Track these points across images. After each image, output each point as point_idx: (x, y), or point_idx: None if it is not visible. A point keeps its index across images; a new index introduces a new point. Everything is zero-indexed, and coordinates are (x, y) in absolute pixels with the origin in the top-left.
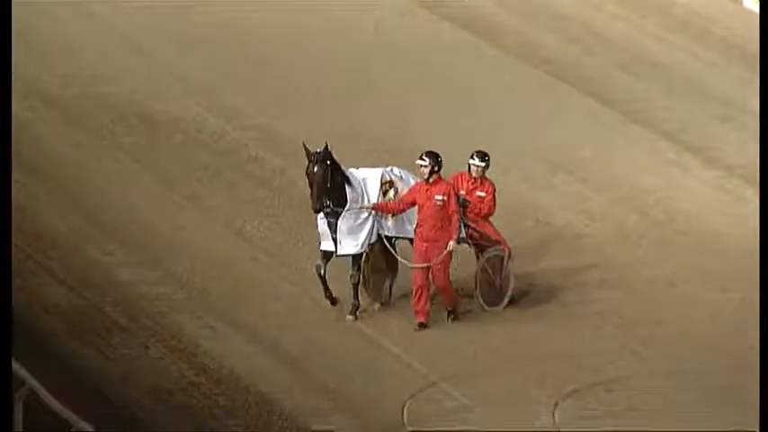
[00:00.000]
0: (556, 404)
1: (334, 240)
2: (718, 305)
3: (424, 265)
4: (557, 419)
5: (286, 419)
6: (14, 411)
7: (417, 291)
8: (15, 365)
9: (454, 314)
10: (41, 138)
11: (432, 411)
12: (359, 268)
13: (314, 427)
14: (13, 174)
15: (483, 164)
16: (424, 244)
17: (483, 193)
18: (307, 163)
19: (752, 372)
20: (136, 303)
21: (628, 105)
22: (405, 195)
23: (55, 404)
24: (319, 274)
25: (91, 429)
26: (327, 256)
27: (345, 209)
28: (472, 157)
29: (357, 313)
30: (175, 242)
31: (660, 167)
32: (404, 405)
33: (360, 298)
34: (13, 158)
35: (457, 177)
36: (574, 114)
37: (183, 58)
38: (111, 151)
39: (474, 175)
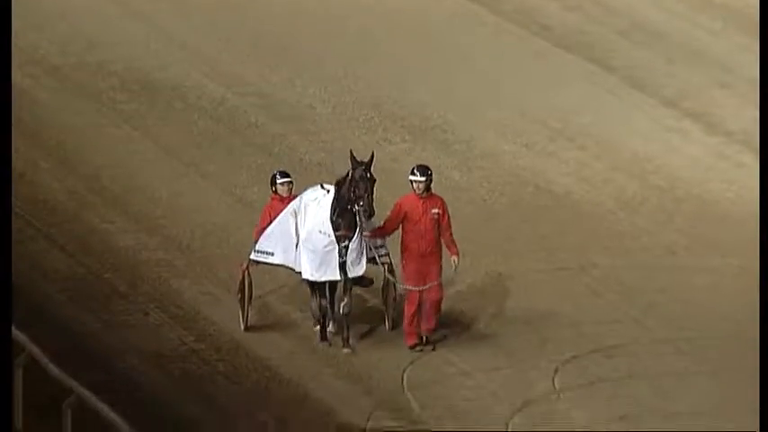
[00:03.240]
0: (556, 370)
1: (342, 265)
2: (718, 272)
3: (428, 286)
4: (556, 385)
5: (286, 386)
6: (14, 377)
7: (412, 313)
8: (15, 332)
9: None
10: (41, 105)
11: (431, 377)
12: (351, 296)
13: (314, 394)
14: (12, 141)
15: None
16: (418, 261)
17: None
18: (353, 169)
19: (752, 338)
20: (135, 270)
21: (628, 72)
22: (393, 213)
23: (54, 370)
24: (323, 315)
25: (90, 395)
26: (325, 288)
27: (357, 231)
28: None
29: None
30: (175, 208)
31: (660, 134)
32: (403, 371)
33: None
34: (12, 126)
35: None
36: (574, 81)
37: (183, 24)
38: (111, 118)
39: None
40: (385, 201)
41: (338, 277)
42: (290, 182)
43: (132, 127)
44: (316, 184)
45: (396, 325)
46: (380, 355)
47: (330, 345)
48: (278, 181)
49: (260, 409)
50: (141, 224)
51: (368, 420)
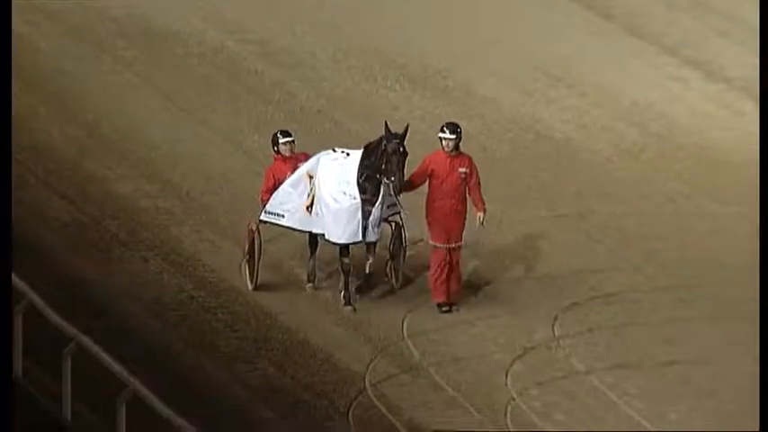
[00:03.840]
0: (555, 317)
1: (365, 228)
2: (717, 218)
3: (454, 245)
4: (556, 332)
5: (286, 333)
6: (14, 324)
7: (438, 267)
8: (15, 279)
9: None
10: (41, 51)
11: (430, 325)
12: (350, 255)
13: (313, 341)
14: (12, 86)
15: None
16: (444, 218)
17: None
18: (387, 141)
19: (752, 284)
20: (135, 217)
21: (628, 19)
22: (421, 168)
23: (54, 318)
24: (346, 275)
25: (90, 342)
26: (347, 248)
27: (381, 197)
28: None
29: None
30: (175, 155)
31: (660, 81)
32: (403, 318)
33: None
34: (12, 71)
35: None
36: (574, 29)
37: None
38: (111, 64)
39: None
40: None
41: (360, 239)
42: (292, 141)
43: (132, 73)
44: (328, 148)
45: (404, 281)
46: (381, 304)
47: (355, 311)
48: (280, 141)
49: (259, 356)
50: (141, 171)
51: (368, 367)
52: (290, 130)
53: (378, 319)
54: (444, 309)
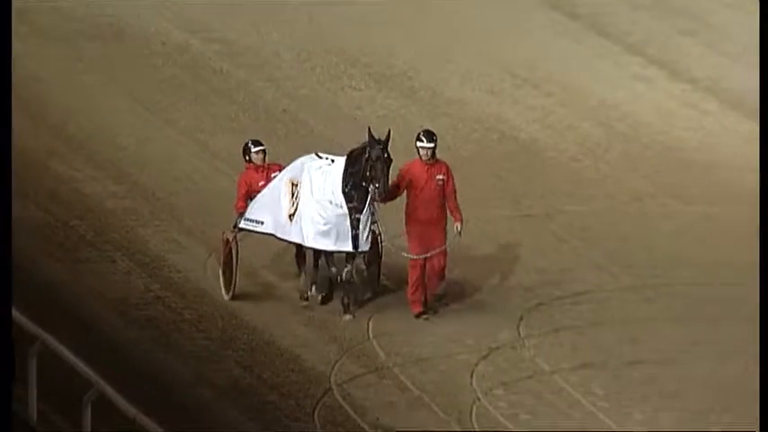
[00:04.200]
0: (521, 317)
1: (354, 238)
2: (683, 218)
3: (431, 253)
4: (521, 332)
5: (251, 333)
6: None
7: (416, 280)
8: None
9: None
10: None
11: (396, 325)
12: (354, 265)
13: (279, 341)
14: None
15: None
16: (423, 228)
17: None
18: (371, 147)
19: (717, 284)
20: (102, 218)
21: (593, 19)
22: (398, 179)
23: (21, 318)
24: (331, 284)
25: (56, 342)
26: (333, 257)
27: (367, 204)
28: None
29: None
30: (141, 156)
31: (625, 81)
32: (369, 318)
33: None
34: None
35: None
36: (539, 28)
37: None
38: (77, 65)
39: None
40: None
41: (351, 248)
42: (264, 150)
43: (98, 74)
44: (309, 153)
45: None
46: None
47: (354, 317)
48: (252, 150)
49: (225, 356)
50: (107, 172)
51: (334, 367)
52: (260, 140)
53: (343, 320)
54: (424, 317)
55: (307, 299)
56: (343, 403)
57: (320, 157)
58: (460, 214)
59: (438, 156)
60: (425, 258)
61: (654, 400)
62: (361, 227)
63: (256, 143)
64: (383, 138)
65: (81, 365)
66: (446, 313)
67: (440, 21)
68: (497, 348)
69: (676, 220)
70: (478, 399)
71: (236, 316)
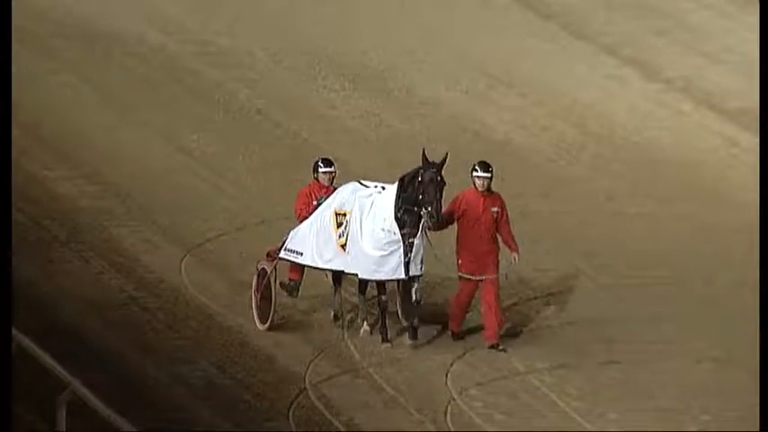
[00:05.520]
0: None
1: (407, 264)
2: (657, 218)
3: (482, 276)
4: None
5: (226, 333)
6: None
7: (463, 300)
8: None
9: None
10: None
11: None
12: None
13: (254, 342)
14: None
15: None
16: (475, 257)
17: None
18: (423, 170)
19: (690, 283)
20: (75, 217)
21: (566, 19)
22: (452, 206)
23: None
24: (383, 312)
25: (30, 343)
26: (384, 285)
27: (420, 229)
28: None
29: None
30: (115, 156)
31: (599, 81)
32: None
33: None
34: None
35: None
36: (513, 28)
37: None
38: (50, 65)
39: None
40: (324, 149)
41: (404, 276)
42: (332, 172)
43: (72, 74)
44: (352, 180)
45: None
46: (319, 305)
47: (392, 346)
48: (320, 170)
49: (199, 356)
50: (81, 171)
51: (308, 367)
52: (332, 160)
53: (318, 320)
54: (458, 338)
55: (339, 318)
56: (318, 403)
57: (364, 186)
58: (516, 245)
59: (411, 155)
60: (477, 283)
61: (629, 400)
62: (414, 251)
63: (326, 163)
64: (438, 161)
65: (55, 366)
66: (421, 313)
67: (414, 21)
68: (472, 349)
69: (651, 219)
70: (453, 399)
71: (210, 316)
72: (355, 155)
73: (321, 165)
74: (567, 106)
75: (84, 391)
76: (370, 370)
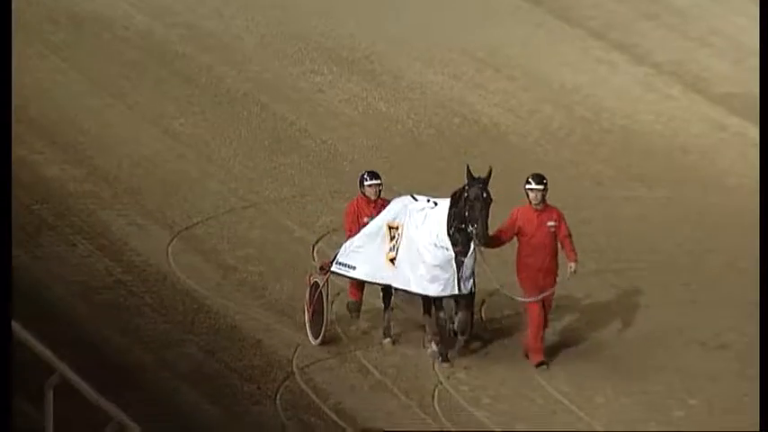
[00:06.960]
0: (483, 302)
1: (459, 280)
2: (644, 203)
3: (544, 294)
4: (483, 316)
5: (213, 317)
6: None
7: (536, 325)
8: None
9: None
10: None
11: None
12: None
13: (241, 325)
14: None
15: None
16: (535, 274)
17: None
18: (469, 186)
19: (679, 268)
20: (63, 201)
21: (555, 2)
22: (508, 223)
23: None
24: (441, 330)
25: (18, 327)
26: (441, 302)
27: (472, 247)
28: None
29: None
30: (103, 139)
31: (588, 65)
32: (331, 303)
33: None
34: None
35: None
36: (501, 12)
37: None
38: (38, 49)
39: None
40: (312, 132)
41: (457, 291)
42: (379, 184)
43: (60, 58)
44: (404, 195)
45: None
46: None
47: (452, 366)
48: (366, 183)
49: (187, 340)
50: (69, 155)
51: (295, 351)
52: (378, 172)
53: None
54: (544, 367)
55: (389, 335)
56: (306, 387)
57: (416, 199)
58: (576, 254)
59: (399, 139)
60: (542, 304)
61: (616, 385)
62: (464, 269)
63: (372, 176)
64: (483, 175)
65: (43, 350)
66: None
67: (402, 5)
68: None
69: (639, 204)
70: (441, 383)
71: (197, 300)
72: (342, 138)
73: (367, 178)
74: (554, 90)
75: (72, 376)
76: (358, 353)
